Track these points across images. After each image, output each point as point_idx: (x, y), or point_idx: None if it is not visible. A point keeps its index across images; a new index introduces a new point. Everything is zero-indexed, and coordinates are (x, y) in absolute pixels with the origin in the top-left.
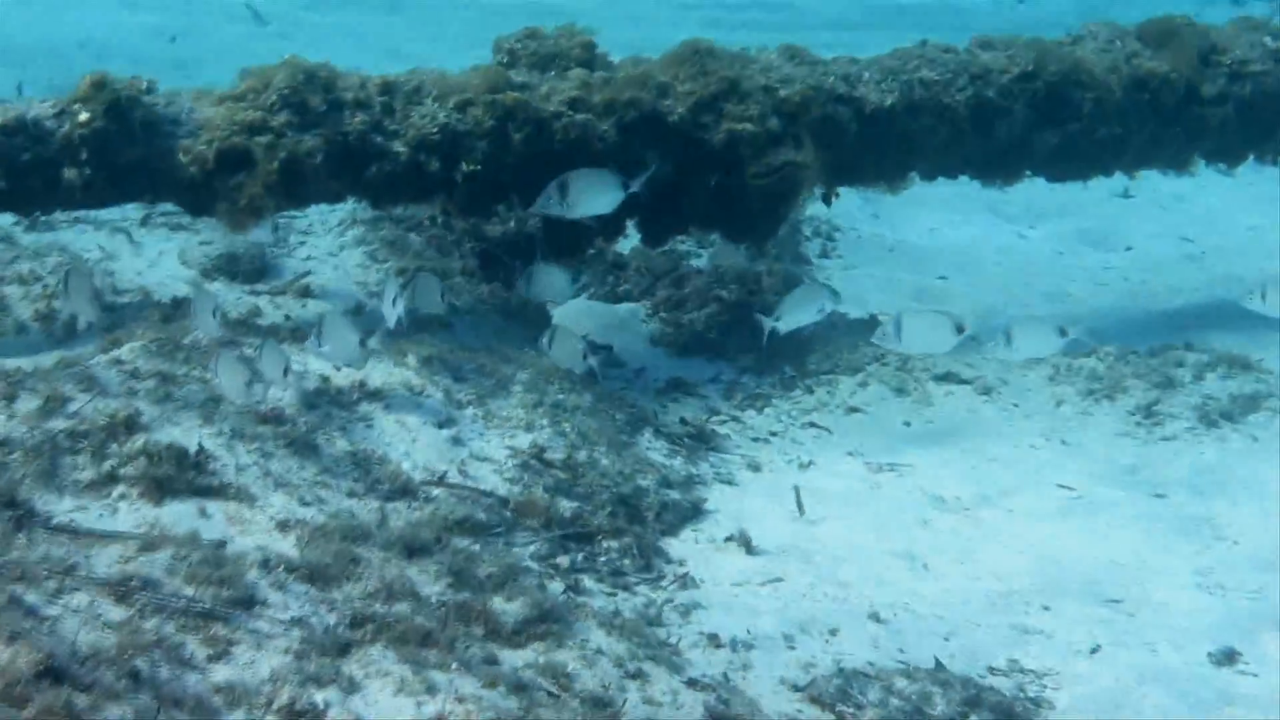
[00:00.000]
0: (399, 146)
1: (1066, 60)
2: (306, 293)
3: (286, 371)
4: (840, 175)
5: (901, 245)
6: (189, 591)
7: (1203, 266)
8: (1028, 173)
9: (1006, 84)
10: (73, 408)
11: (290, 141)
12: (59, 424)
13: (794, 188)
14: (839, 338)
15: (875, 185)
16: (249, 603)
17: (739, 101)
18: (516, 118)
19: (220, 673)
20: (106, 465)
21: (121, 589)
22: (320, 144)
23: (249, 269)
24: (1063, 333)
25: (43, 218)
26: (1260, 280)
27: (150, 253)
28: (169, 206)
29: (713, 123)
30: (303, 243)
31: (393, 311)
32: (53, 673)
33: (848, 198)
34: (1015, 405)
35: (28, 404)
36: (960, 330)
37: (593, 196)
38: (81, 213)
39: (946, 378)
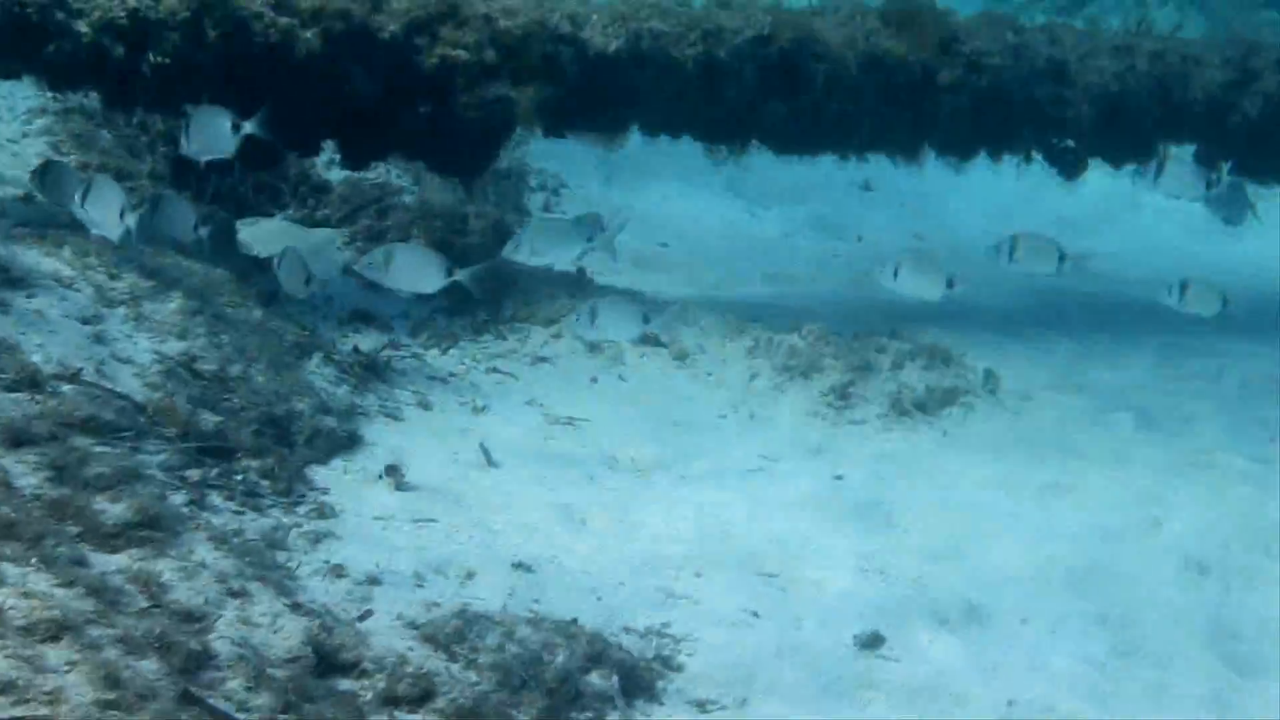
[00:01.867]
0: (82, 27)
1: (803, 28)
2: None
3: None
4: (558, 119)
5: (628, 209)
6: None
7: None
8: (754, 142)
9: (739, 45)
10: None
11: None
12: None
13: (506, 124)
14: (539, 288)
15: (594, 134)
16: None
17: (457, 27)
18: (214, 13)
19: None
20: None
21: None
22: None
23: None
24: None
25: None
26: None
27: None
28: None
29: (426, 46)
30: None
31: (117, 223)
32: None
33: (583, 158)
34: (709, 374)
35: None
36: (648, 320)
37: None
38: None
39: (643, 339)
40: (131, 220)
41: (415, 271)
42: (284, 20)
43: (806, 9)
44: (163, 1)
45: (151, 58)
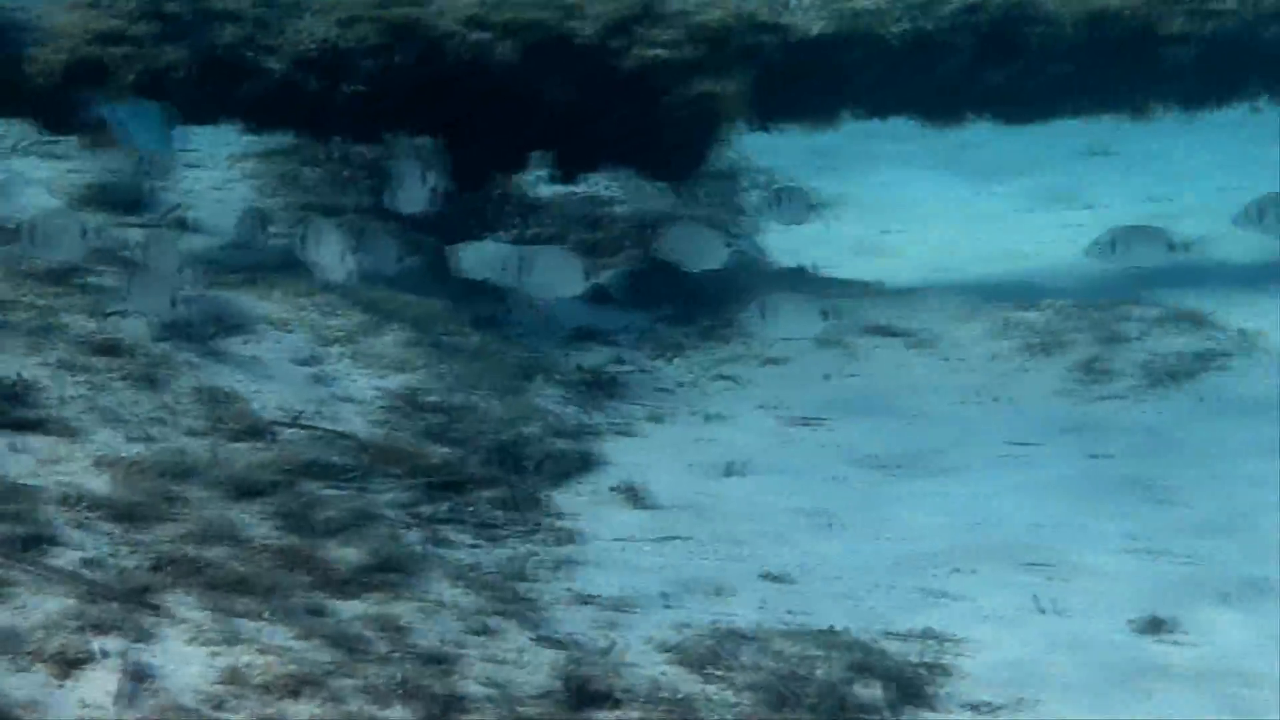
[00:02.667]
0: (274, 63)
1: None
2: (182, 226)
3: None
4: (765, 110)
5: (848, 197)
6: None
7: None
8: (971, 115)
9: (949, 15)
10: None
11: (150, 53)
12: None
13: (713, 121)
14: (763, 287)
15: (803, 122)
16: (37, 541)
17: (654, 25)
18: (406, 35)
19: None
20: None
21: None
22: (185, 57)
23: (123, 200)
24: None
25: None
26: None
27: (16, 182)
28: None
29: (624, 47)
30: (187, 176)
31: (339, 264)
32: None
33: (796, 148)
34: (947, 360)
35: None
36: (825, 316)
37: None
38: None
39: (876, 330)
40: (353, 262)
41: (554, 275)
42: (478, 36)
43: None
44: (353, 28)
45: (346, 87)
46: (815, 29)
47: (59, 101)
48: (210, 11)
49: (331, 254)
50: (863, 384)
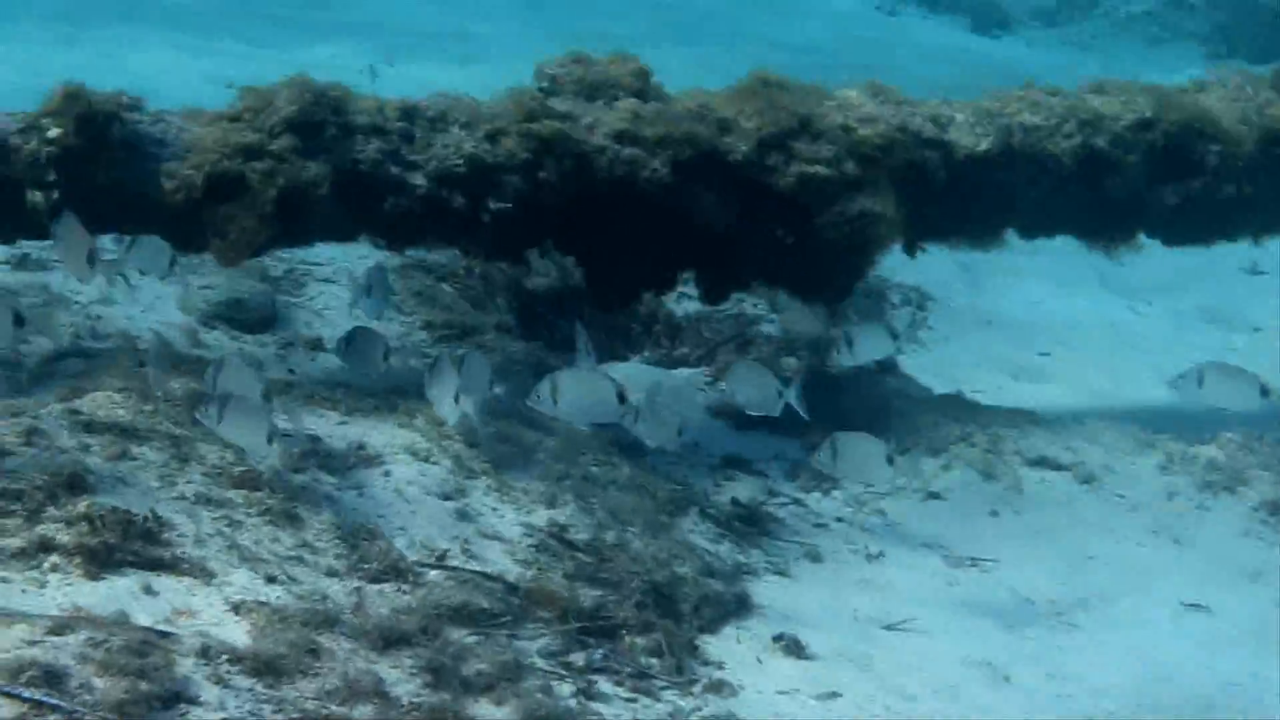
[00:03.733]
0: (418, 179)
1: (1190, 109)
2: (317, 345)
3: (271, 439)
4: (926, 229)
5: (1000, 317)
6: (100, 684)
7: None
8: (1142, 235)
9: (1120, 132)
10: (9, 464)
11: (291, 168)
12: None
13: (871, 241)
14: (920, 414)
15: (964, 242)
16: (174, 700)
17: (811, 141)
18: (555, 150)
19: None
20: (39, 530)
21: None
22: (327, 173)
23: (254, 317)
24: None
25: (32, 256)
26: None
27: (147, 296)
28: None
29: (781, 164)
30: (321, 292)
31: (452, 407)
32: None
33: (943, 265)
34: (1120, 496)
35: None
36: (892, 460)
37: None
38: None
39: (1042, 462)
40: (470, 405)
41: (586, 401)
42: (629, 151)
43: (1190, 85)
44: (500, 144)
45: (491, 204)
46: (981, 146)
47: (195, 218)
48: (353, 126)
49: (447, 394)
50: (1031, 522)
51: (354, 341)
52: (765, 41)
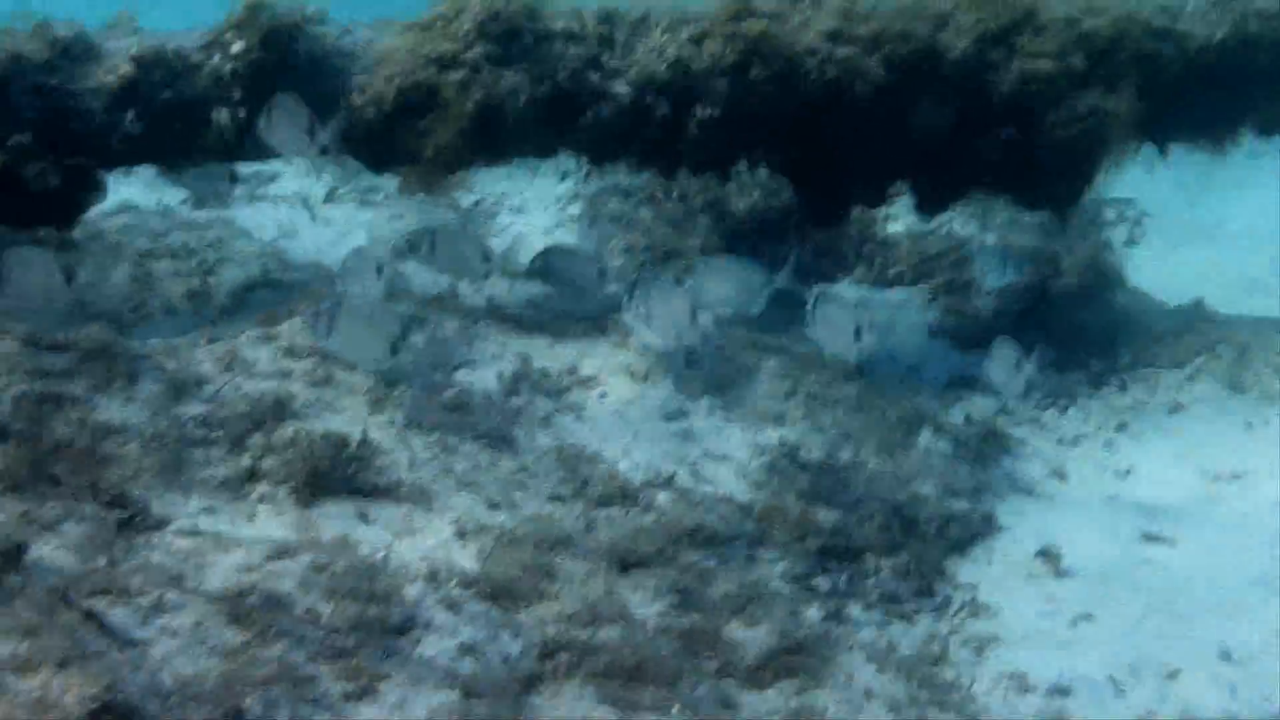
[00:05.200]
0: (620, 87)
1: None
2: (514, 273)
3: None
4: (1159, 127)
5: (1224, 229)
6: (327, 610)
7: None
8: None
9: None
10: (209, 390)
11: (488, 79)
12: (191, 409)
13: (1101, 141)
14: (1155, 327)
15: (1201, 141)
16: (406, 627)
17: (1035, 34)
18: (763, 52)
19: (361, 717)
20: (246, 458)
21: (238, 607)
22: (525, 82)
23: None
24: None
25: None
26: None
27: (333, 230)
28: (361, 181)
29: (1003, 60)
30: (513, 223)
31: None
32: (115, 711)
33: (1158, 178)
34: None
35: (153, 386)
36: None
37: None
38: (259, 190)
39: None
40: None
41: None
42: (842, 51)
43: None
44: (705, 47)
45: (699, 111)
46: (1217, 34)
47: (388, 134)
48: (550, 32)
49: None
50: None
51: (348, 262)
52: None
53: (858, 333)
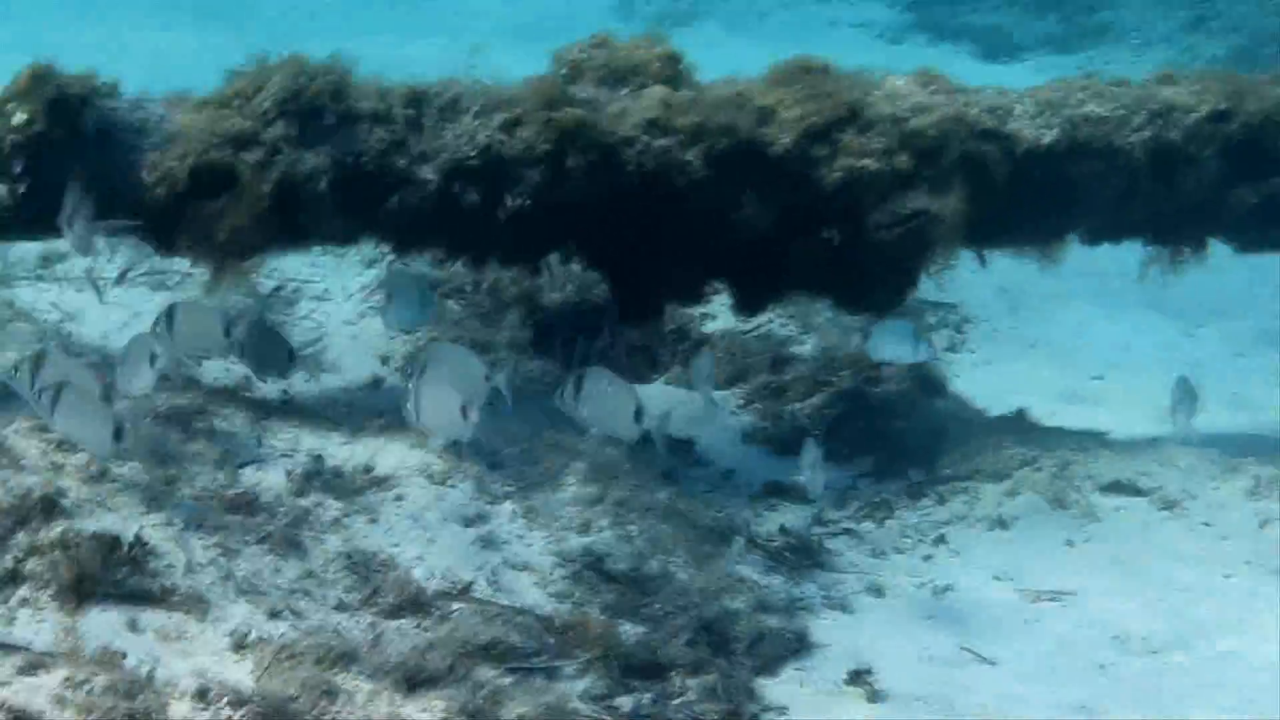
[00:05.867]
0: (428, 173)
1: (1270, 99)
2: (315, 366)
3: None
4: (984, 232)
5: (1044, 340)
6: None
7: None
8: (1217, 238)
9: (1194, 125)
10: None
11: (287, 159)
12: None
13: (926, 244)
14: (976, 437)
15: (1027, 246)
16: None
17: (860, 132)
18: (578, 141)
19: None
20: (8, 559)
21: None
22: (326, 164)
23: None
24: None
25: None
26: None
27: (121, 315)
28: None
29: (826, 157)
30: (314, 310)
31: (460, 423)
32: None
33: (979, 286)
34: (1206, 524)
35: None
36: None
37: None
38: (44, 270)
39: (1116, 487)
40: (475, 415)
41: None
42: (660, 143)
43: (1269, 76)
44: (518, 134)
45: (510, 200)
46: (1045, 138)
47: (181, 215)
48: (355, 112)
49: (443, 413)
50: (1111, 551)
51: (256, 343)
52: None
53: (638, 413)
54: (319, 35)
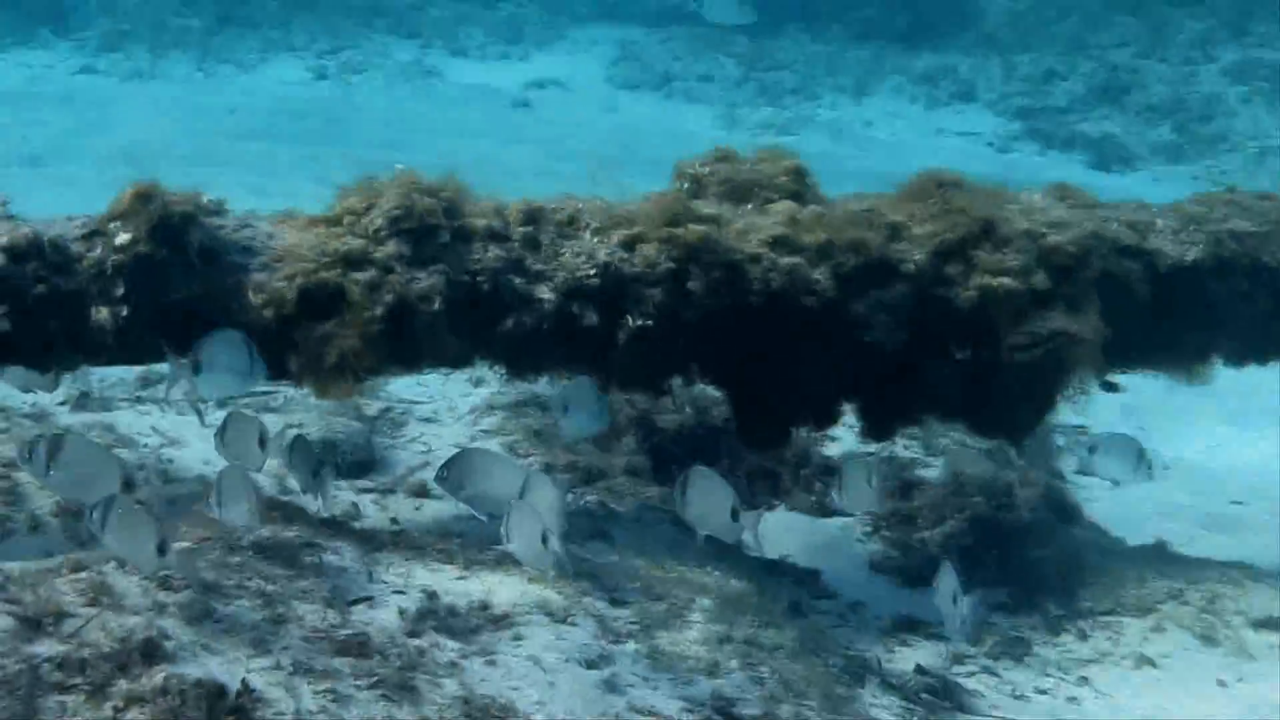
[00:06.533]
0: (544, 292)
1: None
2: (421, 492)
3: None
4: (1125, 353)
5: (1177, 463)
6: None
7: None
8: None
9: None
10: (69, 626)
11: (400, 280)
12: (45, 648)
13: (1064, 366)
14: (1115, 567)
15: (1171, 368)
16: None
17: (995, 248)
18: (702, 259)
19: None
20: (108, 708)
21: None
22: (440, 285)
23: (352, 461)
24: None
25: (85, 390)
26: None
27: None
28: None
29: (960, 275)
30: (423, 433)
31: (540, 550)
32: None
33: (1104, 405)
34: None
35: (2, 620)
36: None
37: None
38: (143, 391)
39: (1269, 623)
40: (557, 544)
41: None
42: (786, 260)
43: None
44: (639, 251)
45: (630, 321)
46: (1189, 255)
47: (287, 340)
48: (470, 230)
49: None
50: (1268, 693)
51: (228, 428)
52: (872, 177)
53: (734, 512)
54: (417, 139)
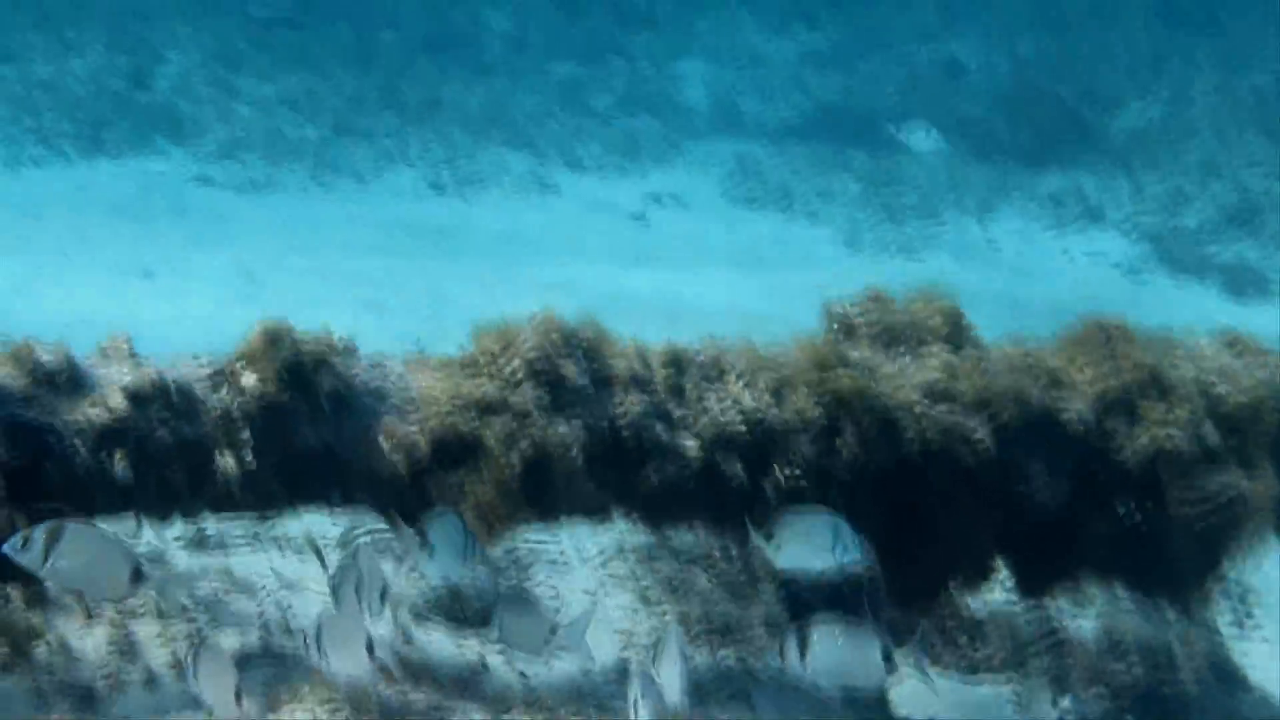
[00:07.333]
0: (688, 441)
1: None
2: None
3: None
4: None
5: None
6: None
7: None
8: None
9: None
10: None
11: (538, 427)
12: None
13: (1235, 526)
14: None
15: None
16: None
17: (1162, 399)
18: (854, 409)
19: None
20: None
21: None
22: (579, 433)
23: (475, 609)
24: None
25: (202, 528)
26: None
27: None
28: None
29: (1123, 428)
30: (550, 576)
31: None
32: None
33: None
34: None
35: None
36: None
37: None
38: (260, 529)
39: None
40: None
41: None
42: (942, 410)
43: None
44: (787, 398)
45: (778, 472)
46: None
47: (420, 489)
48: (610, 375)
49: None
50: None
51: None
52: (1001, 300)
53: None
54: (535, 256)
